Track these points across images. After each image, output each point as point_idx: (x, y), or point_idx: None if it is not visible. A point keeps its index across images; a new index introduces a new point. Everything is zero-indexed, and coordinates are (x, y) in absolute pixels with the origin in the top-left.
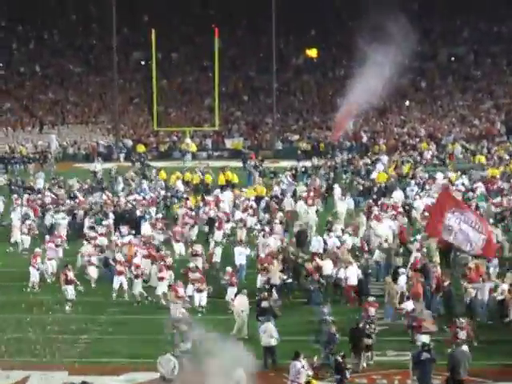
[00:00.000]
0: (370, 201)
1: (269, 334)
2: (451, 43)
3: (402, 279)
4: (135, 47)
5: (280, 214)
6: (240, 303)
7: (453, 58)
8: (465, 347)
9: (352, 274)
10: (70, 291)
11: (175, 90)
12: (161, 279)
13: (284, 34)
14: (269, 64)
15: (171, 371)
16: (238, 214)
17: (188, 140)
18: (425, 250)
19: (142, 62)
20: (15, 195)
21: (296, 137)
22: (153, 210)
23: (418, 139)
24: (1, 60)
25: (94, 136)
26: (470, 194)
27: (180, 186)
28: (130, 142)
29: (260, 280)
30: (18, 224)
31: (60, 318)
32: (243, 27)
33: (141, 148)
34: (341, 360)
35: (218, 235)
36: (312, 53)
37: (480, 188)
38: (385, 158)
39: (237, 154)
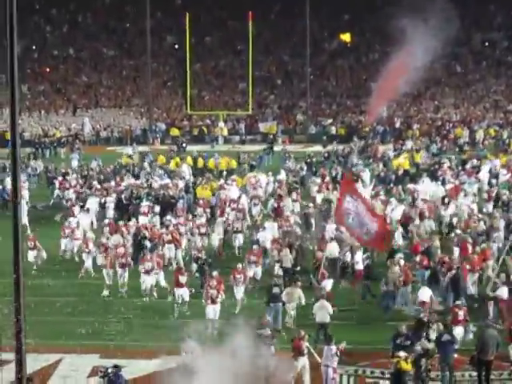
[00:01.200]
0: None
1: (325, 310)
2: (485, 28)
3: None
4: (169, 31)
5: (289, 199)
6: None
7: (486, 44)
8: (493, 330)
9: (359, 259)
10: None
11: (209, 74)
12: None
13: (318, 18)
14: (302, 48)
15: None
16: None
17: (222, 124)
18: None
19: (176, 46)
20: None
21: (329, 121)
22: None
23: (451, 125)
24: (34, 43)
25: (128, 119)
26: (493, 180)
27: (185, 169)
28: (163, 126)
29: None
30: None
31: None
32: (277, 11)
33: (174, 131)
34: None
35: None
36: (346, 37)
37: (504, 176)
38: (409, 144)
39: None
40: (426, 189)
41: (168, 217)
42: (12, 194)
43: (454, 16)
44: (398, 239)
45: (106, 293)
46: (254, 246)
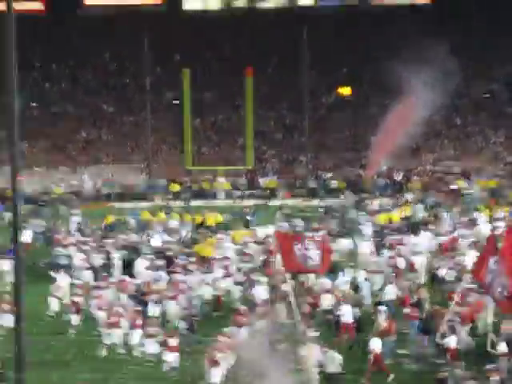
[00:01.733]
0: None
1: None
2: (485, 79)
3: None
4: (168, 87)
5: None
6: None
7: (486, 95)
8: None
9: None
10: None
11: (208, 130)
12: None
13: (316, 71)
14: (301, 102)
15: None
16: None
17: (221, 179)
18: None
19: (175, 102)
20: None
21: (329, 174)
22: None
23: (452, 176)
24: (34, 100)
25: (128, 175)
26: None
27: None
28: (163, 182)
29: None
30: None
31: None
32: (275, 65)
33: (175, 187)
34: None
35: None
36: (344, 90)
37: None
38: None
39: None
40: (421, 241)
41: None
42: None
43: (454, 68)
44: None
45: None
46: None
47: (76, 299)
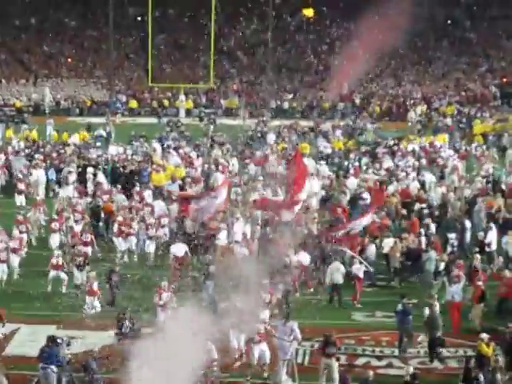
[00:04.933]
0: None
1: (339, 271)
2: (449, 6)
3: None
4: (131, 3)
5: None
6: None
7: (449, 21)
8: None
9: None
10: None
11: (171, 47)
12: None
13: None
14: (265, 22)
15: None
16: None
17: (182, 97)
18: None
19: (139, 18)
20: None
21: (290, 96)
22: None
23: (412, 101)
24: None
25: (88, 90)
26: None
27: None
28: (124, 98)
29: None
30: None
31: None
32: None
33: (133, 104)
34: None
35: None
36: (308, 12)
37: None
38: None
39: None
40: None
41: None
42: None
43: None
44: None
45: None
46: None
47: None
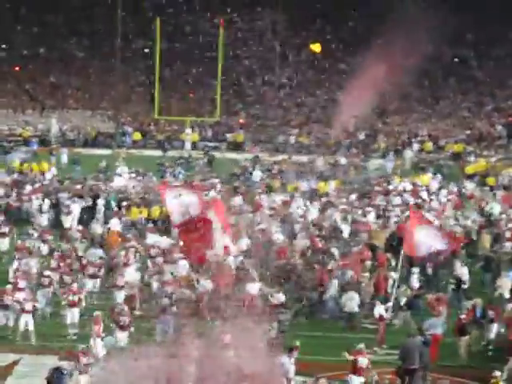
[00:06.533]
0: None
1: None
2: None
3: None
4: (139, 35)
5: None
6: None
7: (456, 60)
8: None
9: None
10: None
11: (177, 80)
12: None
13: (285, 29)
14: (271, 58)
15: None
16: None
17: (188, 130)
18: None
19: (146, 51)
20: None
21: (296, 131)
22: None
23: (418, 138)
24: (4, 41)
25: (95, 122)
26: None
27: None
28: (130, 130)
29: None
30: None
31: None
32: (247, 20)
33: (137, 136)
34: None
35: None
36: (316, 47)
37: None
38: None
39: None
40: None
41: None
42: None
43: (426, 31)
44: None
45: None
46: None
47: None
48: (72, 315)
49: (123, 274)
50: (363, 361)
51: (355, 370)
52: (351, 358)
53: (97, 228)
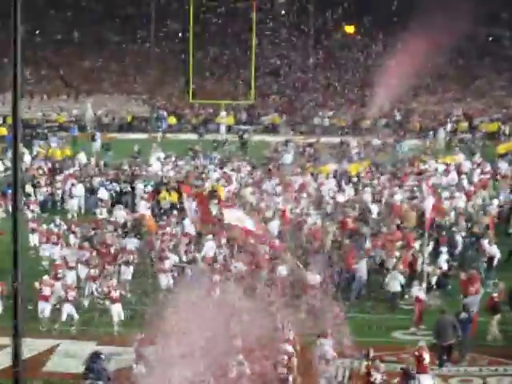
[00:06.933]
0: None
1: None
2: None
3: None
4: (173, 18)
5: None
6: None
7: (491, 39)
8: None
9: None
10: None
11: (212, 63)
12: None
13: (321, 10)
14: (306, 39)
15: None
16: None
17: (223, 113)
18: None
19: (180, 34)
20: None
21: (331, 113)
22: None
23: (454, 118)
24: (38, 26)
25: (129, 106)
26: None
27: None
28: (165, 114)
29: None
30: None
31: None
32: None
33: (172, 120)
34: None
35: None
36: (349, 29)
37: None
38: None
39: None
40: None
41: None
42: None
43: (460, 11)
44: None
45: None
46: None
47: None
48: (116, 312)
49: (168, 257)
50: (427, 358)
51: (422, 368)
52: (416, 354)
53: (119, 214)
